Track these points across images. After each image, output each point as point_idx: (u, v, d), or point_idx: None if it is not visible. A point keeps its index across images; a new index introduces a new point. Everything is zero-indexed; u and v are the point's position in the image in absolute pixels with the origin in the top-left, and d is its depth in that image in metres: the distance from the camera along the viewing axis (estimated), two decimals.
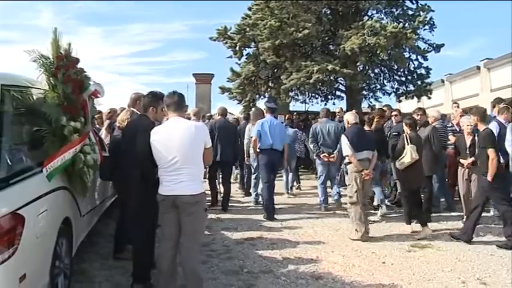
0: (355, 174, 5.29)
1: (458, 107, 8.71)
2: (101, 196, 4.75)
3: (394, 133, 6.73)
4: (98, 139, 4.57)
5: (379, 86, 15.71)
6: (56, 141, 3.18)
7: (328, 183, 7.36)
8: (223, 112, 7.66)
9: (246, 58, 15.87)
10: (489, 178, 4.87)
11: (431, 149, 6.16)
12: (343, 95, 16.31)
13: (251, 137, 6.81)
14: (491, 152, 4.88)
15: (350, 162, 5.35)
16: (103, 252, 4.48)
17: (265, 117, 6.70)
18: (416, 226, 5.59)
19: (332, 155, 7.03)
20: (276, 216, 6.42)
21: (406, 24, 13.69)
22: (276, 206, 6.73)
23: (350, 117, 5.59)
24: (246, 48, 15.72)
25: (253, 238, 5.24)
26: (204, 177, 3.50)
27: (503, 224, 5.00)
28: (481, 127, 5.22)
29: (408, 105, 16.93)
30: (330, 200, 7.27)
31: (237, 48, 15.36)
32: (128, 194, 3.68)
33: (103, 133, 5.87)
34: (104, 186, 4.91)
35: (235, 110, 15.24)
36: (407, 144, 5.49)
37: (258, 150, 6.55)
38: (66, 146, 3.22)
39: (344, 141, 5.38)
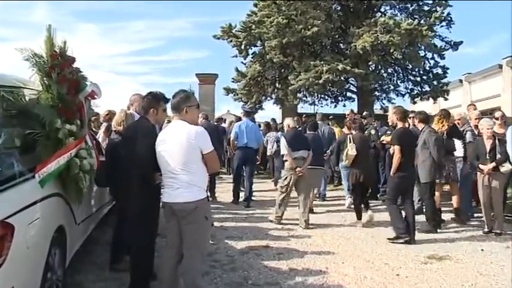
0: (290, 170, 6.48)
1: (475, 109, 8.38)
2: (97, 203, 4.72)
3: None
4: (94, 143, 4.57)
5: (392, 87, 15.67)
6: (49, 145, 3.16)
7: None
8: (207, 116, 9.06)
9: (252, 57, 15.92)
10: None
11: (430, 155, 6.01)
12: (354, 96, 16.28)
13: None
14: None
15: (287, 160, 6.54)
16: (99, 263, 4.44)
17: (242, 120, 8.48)
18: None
19: (325, 154, 7.98)
20: (282, 224, 6.48)
21: (422, 21, 13.60)
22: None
23: (290, 122, 6.86)
24: (252, 47, 15.79)
25: (258, 247, 5.19)
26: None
27: None
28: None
29: (423, 107, 16.79)
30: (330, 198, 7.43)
31: (242, 47, 15.40)
32: (127, 200, 3.67)
33: (100, 137, 5.87)
34: (101, 192, 4.88)
35: (240, 112, 15.24)
36: (349, 142, 6.67)
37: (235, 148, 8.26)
38: (60, 150, 3.20)
39: (282, 142, 6.71)
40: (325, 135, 8.79)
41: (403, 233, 5.42)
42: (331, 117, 11.35)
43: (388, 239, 5.50)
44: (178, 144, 3.09)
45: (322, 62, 13.18)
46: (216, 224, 6.26)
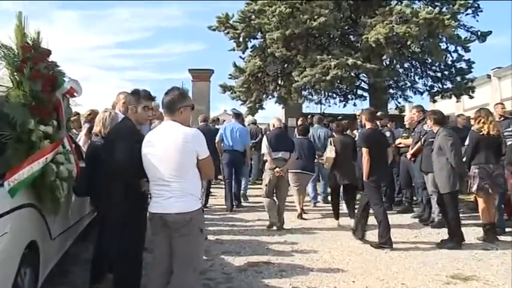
0: (269, 171, 7.08)
1: (503, 108, 8.21)
2: (76, 215, 4.69)
3: (430, 139, 6.74)
4: (74, 147, 4.55)
5: (409, 84, 15.66)
6: (21, 148, 3.14)
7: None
8: (206, 119, 9.93)
9: (252, 51, 15.93)
10: None
11: (447, 162, 5.99)
12: (365, 94, 16.29)
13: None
14: None
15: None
16: (78, 284, 4.40)
17: (231, 121, 9.40)
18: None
19: (321, 157, 8.43)
20: (285, 237, 6.53)
21: (444, 9, 13.53)
22: (287, 226, 7.14)
23: (275, 122, 7.56)
24: (251, 40, 15.81)
25: (258, 264, 5.16)
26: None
27: None
28: None
29: (445, 106, 16.78)
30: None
31: (241, 39, 15.43)
32: (108, 211, 3.66)
33: (81, 140, 5.87)
34: (81, 202, 4.85)
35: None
36: (329, 145, 7.43)
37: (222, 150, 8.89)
38: (34, 155, 3.18)
39: (263, 141, 7.34)
40: (321, 139, 9.30)
41: (385, 242, 5.81)
42: (339, 117, 11.41)
43: (371, 245, 5.94)
44: (172, 148, 3.07)
45: (329, 56, 13.17)
46: (210, 237, 6.25)
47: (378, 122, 7.78)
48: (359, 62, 12.70)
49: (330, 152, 7.38)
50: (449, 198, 6.05)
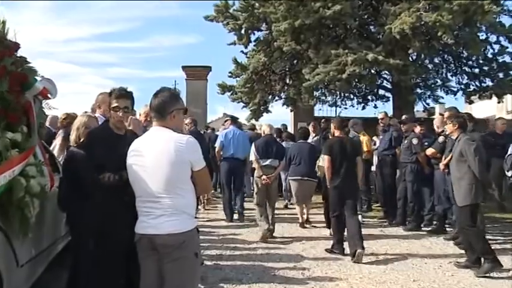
0: (257, 178, 8.09)
1: None
2: (49, 237, 4.67)
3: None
4: (48, 157, 4.55)
5: (440, 82, 15.62)
6: None
7: None
8: (195, 122, 10.07)
9: (255, 45, 16.02)
10: None
11: (469, 170, 6.04)
12: (388, 94, 16.30)
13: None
14: None
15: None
16: None
17: (229, 127, 9.84)
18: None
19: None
20: (295, 261, 6.55)
21: None
22: (297, 248, 7.20)
23: (266, 129, 8.63)
24: (255, 32, 15.89)
25: None
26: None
27: None
28: None
29: (483, 108, 16.71)
30: None
31: (243, 31, 15.52)
32: (86, 233, 3.65)
33: (56, 149, 5.88)
34: (55, 222, 4.84)
35: (239, 116, 15.32)
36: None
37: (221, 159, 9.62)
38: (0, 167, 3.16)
39: (252, 149, 8.30)
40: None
41: (336, 247, 6.89)
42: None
43: (326, 250, 6.98)
44: (162, 158, 3.07)
45: (346, 51, 13.17)
46: (207, 262, 6.25)
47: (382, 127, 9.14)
48: (380, 57, 12.68)
49: (321, 161, 7.92)
50: (468, 213, 6.07)
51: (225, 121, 10.88)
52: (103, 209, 3.58)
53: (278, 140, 12.33)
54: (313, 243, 7.71)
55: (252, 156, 8.21)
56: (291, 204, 11.03)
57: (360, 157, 7.38)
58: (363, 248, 6.43)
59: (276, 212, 10.66)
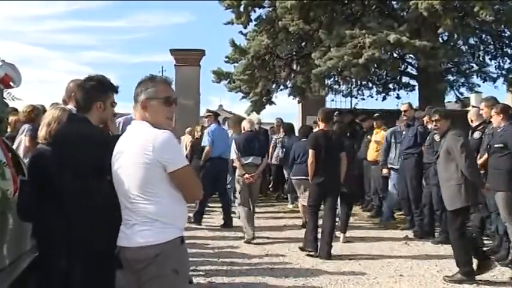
0: (239, 177, 8.77)
1: None
2: (11, 252, 4.64)
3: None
4: (10, 156, 4.55)
5: (476, 67, 15.52)
6: None
7: None
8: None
9: (256, 25, 15.96)
10: None
11: (457, 170, 6.28)
12: (413, 82, 16.21)
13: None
14: None
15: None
16: None
17: (212, 123, 10.59)
18: None
19: None
20: (303, 276, 6.61)
21: None
22: (306, 263, 7.19)
23: (246, 125, 9.20)
24: (256, 9, 15.81)
25: None
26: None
27: None
28: None
29: None
30: None
31: (242, 8, 15.46)
32: (57, 246, 3.65)
33: (21, 146, 5.91)
34: (18, 234, 4.83)
35: (238, 108, 15.33)
36: None
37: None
38: None
39: (232, 146, 9.03)
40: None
41: (309, 246, 7.54)
42: (376, 114, 11.40)
43: (300, 248, 7.81)
44: (130, 159, 3.09)
45: (363, 31, 13.12)
46: (200, 280, 6.27)
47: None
48: (404, 38, 12.63)
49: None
50: (455, 217, 6.31)
51: (206, 117, 11.51)
52: (78, 217, 3.56)
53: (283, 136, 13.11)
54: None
55: (233, 155, 8.95)
56: (295, 207, 11.49)
57: (345, 152, 7.96)
58: (330, 256, 7.40)
59: (281, 218, 11.21)
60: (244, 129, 9.16)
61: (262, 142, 9.49)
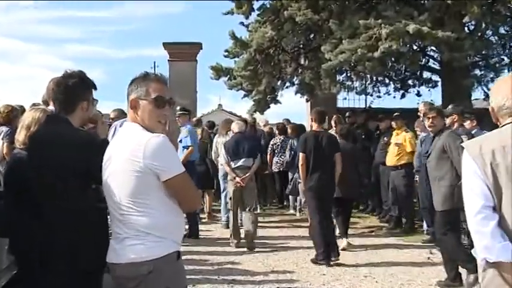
0: (230, 181, 9.55)
1: None
2: None
3: None
4: None
5: (507, 60, 15.51)
6: None
7: None
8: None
9: (259, 15, 15.99)
10: None
11: (451, 169, 6.60)
12: (436, 78, 16.22)
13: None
14: None
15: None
16: None
17: (186, 123, 10.75)
18: None
19: None
20: None
21: None
22: (316, 281, 7.31)
23: (235, 127, 9.90)
24: None
25: None
26: None
27: None
28: None
29: None
30: None
31: None
32: (36, 261, 3.70)
33: None
34: None
35: (239, 108, 15.38)
36: None
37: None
38: None
39: (221, 150, 9.83)
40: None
41: (320, 255, 7.89)
42: (396, 114, 11.40)
43: (311, 260, 8.04)
44: (120, 165, 3.10)
45: (379, 21, 13.11)
46: None
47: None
48: (425, 29, 12.60)
49: None
50: (444, 219, 6.63)
51: (179, 116, 11.09)
52: (59, 219, 3.59)
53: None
54: (336, 271, 7.73)
55: (222, 159, 9.73)
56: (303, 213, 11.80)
57: (339, 154, 8.33)
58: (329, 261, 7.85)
59: (287, 227, 11.48)
60: (233, 132, 9.88)
61: (253, 143, 10.17)
